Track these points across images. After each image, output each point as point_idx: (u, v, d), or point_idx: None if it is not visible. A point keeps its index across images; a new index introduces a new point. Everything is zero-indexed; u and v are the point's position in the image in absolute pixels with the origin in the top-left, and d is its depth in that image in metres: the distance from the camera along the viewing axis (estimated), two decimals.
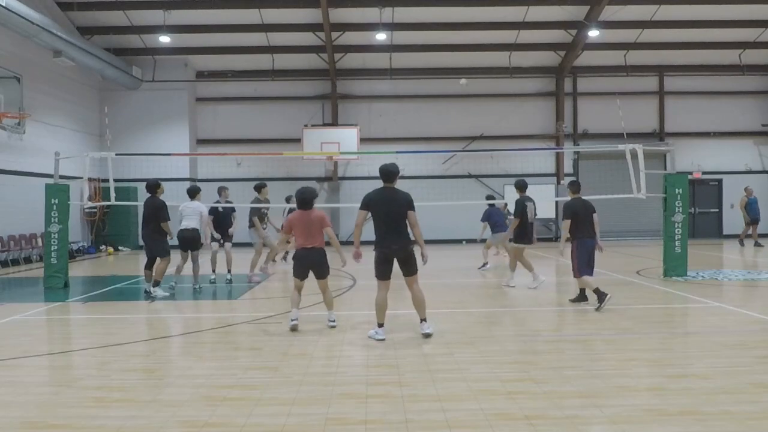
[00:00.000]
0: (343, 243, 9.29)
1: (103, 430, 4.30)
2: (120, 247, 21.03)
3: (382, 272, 6.90)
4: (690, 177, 16.54)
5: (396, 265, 6.93)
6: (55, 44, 16.72)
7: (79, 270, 15.40)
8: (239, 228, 12.64)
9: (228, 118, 22.76)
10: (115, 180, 13.01)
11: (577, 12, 19.79)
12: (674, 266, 11.69)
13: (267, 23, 19.80)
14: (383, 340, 6.82)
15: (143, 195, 11.02)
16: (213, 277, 12.06)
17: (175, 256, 10.70)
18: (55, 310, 9.50)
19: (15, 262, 16.25)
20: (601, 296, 8.42)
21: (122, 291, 11.73)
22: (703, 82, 23.10)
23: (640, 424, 4.27)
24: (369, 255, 7.03)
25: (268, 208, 12.71)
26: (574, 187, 9.20)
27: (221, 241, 12.26)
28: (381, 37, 20.21)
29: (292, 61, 21.91)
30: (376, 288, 7.01)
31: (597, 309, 8.39)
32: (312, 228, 7.38)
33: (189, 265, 11.03)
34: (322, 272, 7.45)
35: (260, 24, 19.73)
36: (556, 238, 21.21)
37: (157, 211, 10.13)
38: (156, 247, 10.25)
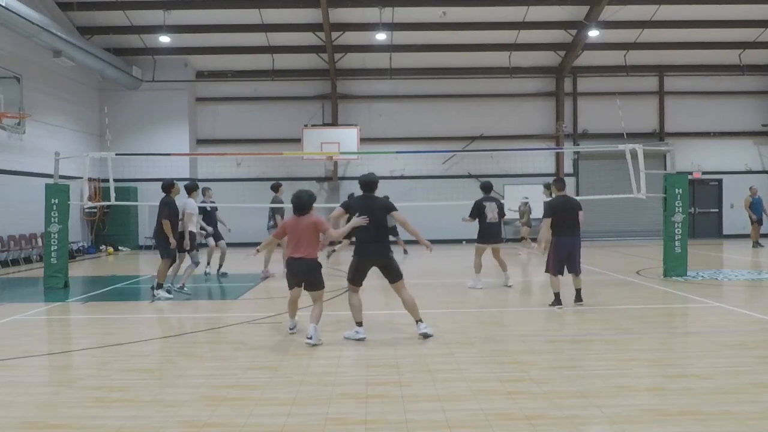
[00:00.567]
0: None
1: (103, 430, 4.30)
2: (120, 247, 21.03)
3: (356, 279, 6.98)
4: (690, 177, 16.53)
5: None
6: (55, 44, 16.72)
7: (79, 270, 15.40)
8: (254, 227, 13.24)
9: (228, 118, 22.76)
10: (115, 180, 13.03)
11: (577, 12, 19.79)
12: (674, 266, 11.69)
13: (267, 23, 19.79)
14: (363, 339, 6.85)
15: (143, 195, 11.04)
16: (207, 270, 12.77)
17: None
18: (55, 310, 9.50)
19: (15, 262, 16.26)
20: (556, 300, 8.66)
21: (122, 291, 11.73)
22: (703, 82, 23.09)
23: (640, 424, 4.27)
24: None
25: (283, 208, 12.90)
26: (559, 184, 9.11)
27: (210, 236, 12.65)
28: (381, 37, 20.21)
29: (292, 61, 21.90)
30: (348, 292, 7.10)
31: (551, 304, 8.69)
32: (301, 236, 6.74)
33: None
34: (312, 284, 6.84)
35: (260, 24, 19.72)
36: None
37: (159, 209, 10.09)
38: (159, 247, 10.21)
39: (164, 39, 20.04)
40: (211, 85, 22.74)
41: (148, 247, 21.35)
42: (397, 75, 22.08)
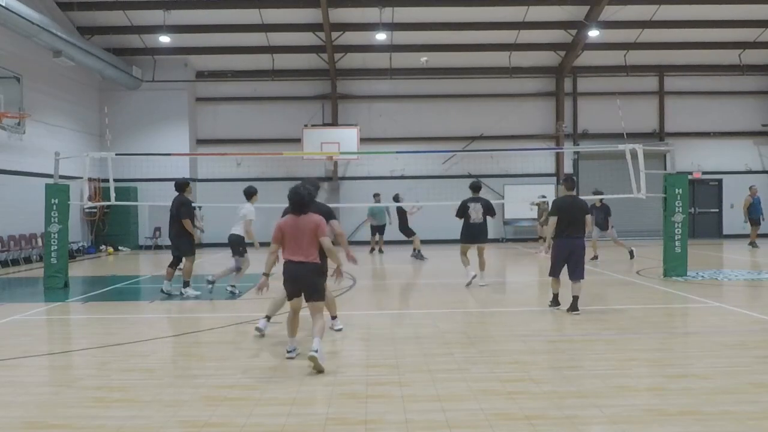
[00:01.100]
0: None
1: (103, 430, 4.30)
2: (120, 247, 21.02)
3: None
4: (690, 177, 16.53)
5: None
6: (55, 44, 16.72)
7: (79, 270, 15.40)
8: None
9: (228, 118, 22.76)
10: (115, 180, 13.04)
11: (577, 12, 19.79)
12: (674, 266, 11.69)
13: (267, 23, 19.80)
14: (340, 329, 7.23)
15: (143, 195, 11.06)
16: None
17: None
18: (55, 310, 9.50)
19: (15, 262, 16.25)
20: (554, 301, 8.67)
21: (122, 291, 11.74)
22: (703, 82, 23.10)
23: (640, 424, 4.27)
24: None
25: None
26: (568, 183, 8.87)
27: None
28: (381, 37, 20.21)
29: (292, 61, 21.91)
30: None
31: (549, 305, 8.70)
32: (301, 238, 5.86)
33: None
34: (312, 293, 5.89)
35: (260, 24, 19.73)
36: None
37: (178, 208, 10.17)
38: (182, 246, 10.33)
39: (164, 39, 20.04)
40: (211, 85, 22.75)
41: (148, 247, 21.38)
42: (397, 75, 22.08)
